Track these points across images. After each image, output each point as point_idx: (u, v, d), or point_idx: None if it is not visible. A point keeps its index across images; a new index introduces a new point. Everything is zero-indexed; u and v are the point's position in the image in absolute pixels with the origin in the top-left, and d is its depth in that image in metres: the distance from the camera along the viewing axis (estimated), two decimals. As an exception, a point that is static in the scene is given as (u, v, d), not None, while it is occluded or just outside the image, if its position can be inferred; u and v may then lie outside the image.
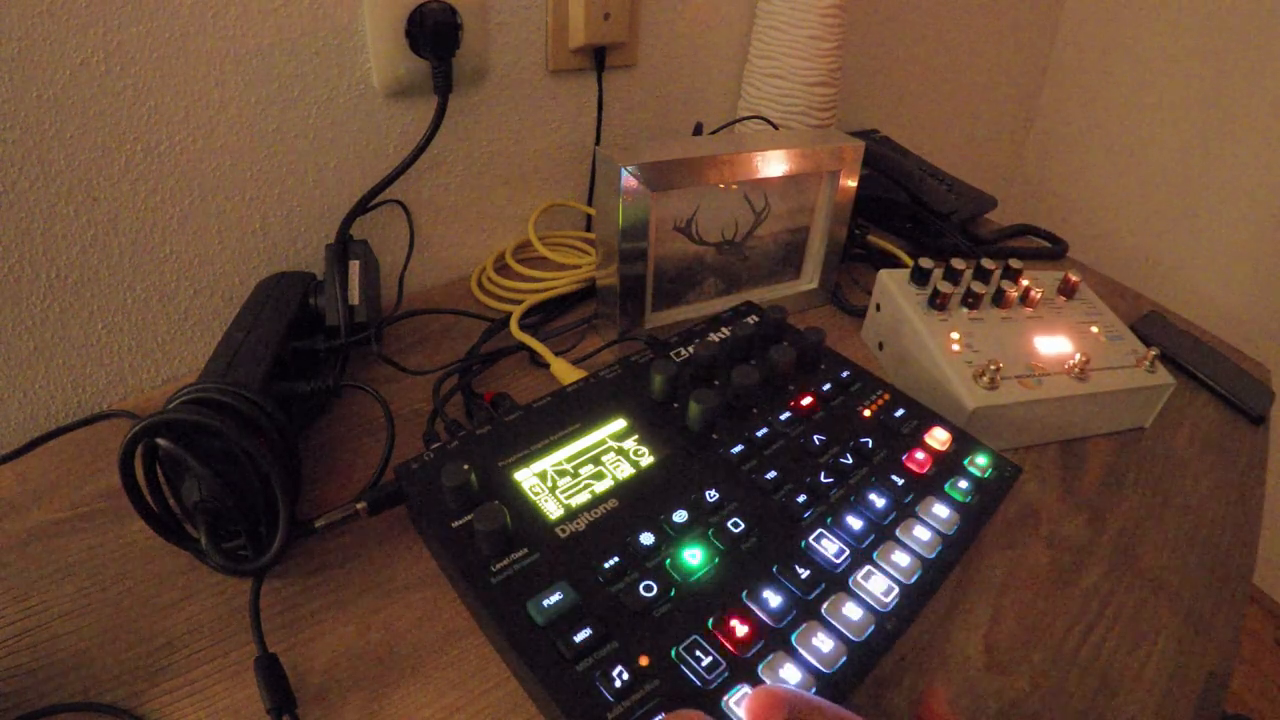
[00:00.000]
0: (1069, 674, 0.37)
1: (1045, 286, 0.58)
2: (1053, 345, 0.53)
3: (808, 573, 0.34)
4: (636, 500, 0.38)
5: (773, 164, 0.55)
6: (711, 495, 0.38)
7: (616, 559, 0.34)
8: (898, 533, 0.37)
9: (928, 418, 0.45)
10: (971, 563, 0.43)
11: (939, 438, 0.43)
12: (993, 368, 0.48)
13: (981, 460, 0.42)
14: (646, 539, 0.35)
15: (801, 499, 0.38)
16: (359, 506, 0.38)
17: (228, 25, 0.47)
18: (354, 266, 0.52)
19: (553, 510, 0.37)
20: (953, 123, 1.24)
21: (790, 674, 0.30)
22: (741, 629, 0.31)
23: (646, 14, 0.67)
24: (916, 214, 0.75)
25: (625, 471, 0.39)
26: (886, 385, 0.48)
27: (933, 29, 1.05)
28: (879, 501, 0.38)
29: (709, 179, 0.53)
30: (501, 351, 0.56)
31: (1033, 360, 0.51)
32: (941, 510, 0.38)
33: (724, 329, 0.51)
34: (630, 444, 0.41)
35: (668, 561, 0.34)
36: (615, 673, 0.29)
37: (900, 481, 0.40)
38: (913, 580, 0.35)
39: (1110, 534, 0.46)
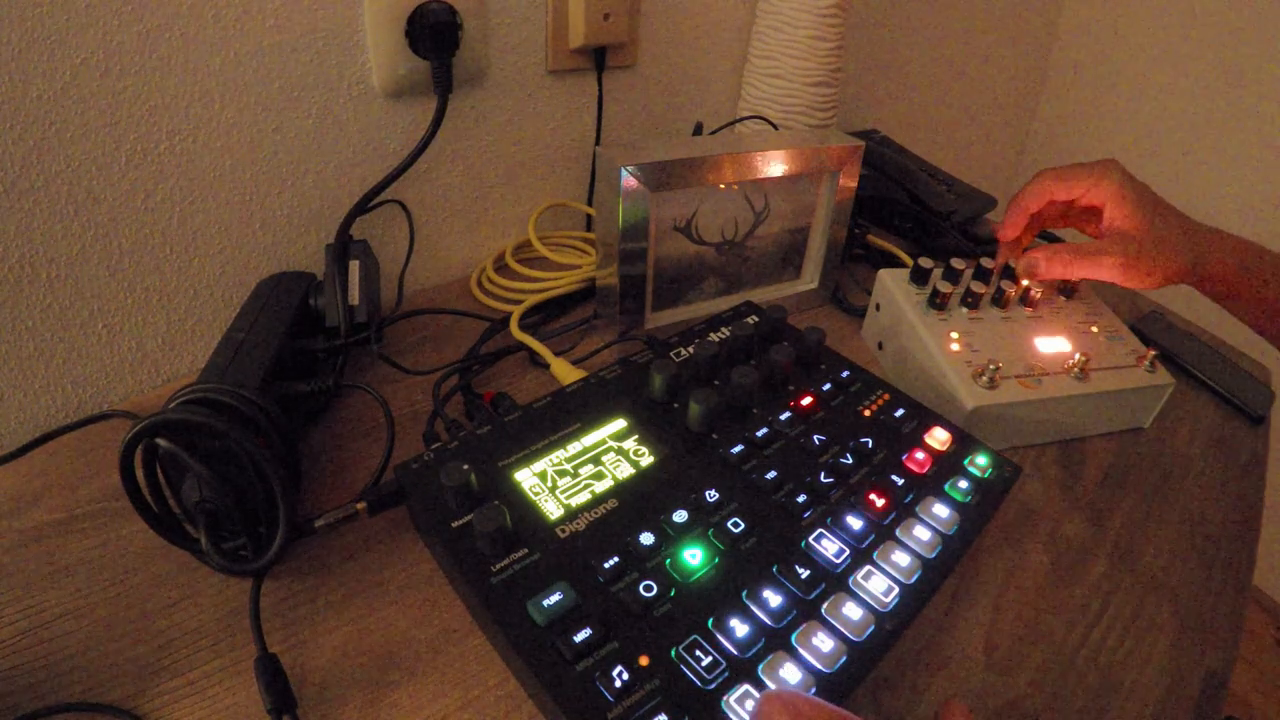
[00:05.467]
0: (1069, 674, 0.37)
1: (1045, 286, 0.58)
2: (1052, 345, 0.53)
3: (808, 573, 0.34)
4: (636, 500, 0.38)
5: (773, 164, 0.55)
6: (711, 495, 0.38)
7: (616, 559, 0.34)
8: (898, 533, 0.37)
9: (927, 417, 0.45)
10: (971, 563, 0.43)
11: (939, 438, 0.43)
12: (992, 367, 0.48)
13: (981, 460, 0.42)
14: (646, 539, 0.35)
15: (801, 499, 0.38)
16: (359, 506, 0.38)
17: (228, 25, 0.47)
18: (354, 266, 0.52)
19: (553, 510, 0.37)
20: (953, 123, 1.24)
21: (790, 674, 0.30)
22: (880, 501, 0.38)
23: (646, 14, 0.67)
24: (916, 214, 0.75)
25: (625, 471, 0.39)
26: (886, 385, 0.48)
27: (933, 29, 1.05)
28: (879, 501, 0.38)
29: (709, 179, 0.53)
30: (501, 351, 0.56)
31: (1032, 360, 0.51)
32: (941, 510, 0.38)
33: (724, 329, 0.51)
34: (630, 444, 0.41)
35: (668, 561, 0.34)
36: (615, 673, 0.29)
37: (900, 481, 0.40)
38: (913, 580, 0.35)
39: (1110, 534, 0.46)
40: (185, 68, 0.46)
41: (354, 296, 0.51)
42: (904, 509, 0.39)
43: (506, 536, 0.34)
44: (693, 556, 0.35)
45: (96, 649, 0.35)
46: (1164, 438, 0.55)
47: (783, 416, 0.44)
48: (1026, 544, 0.44)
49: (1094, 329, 0.56)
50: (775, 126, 0.73)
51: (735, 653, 0.31)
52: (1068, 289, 0.59)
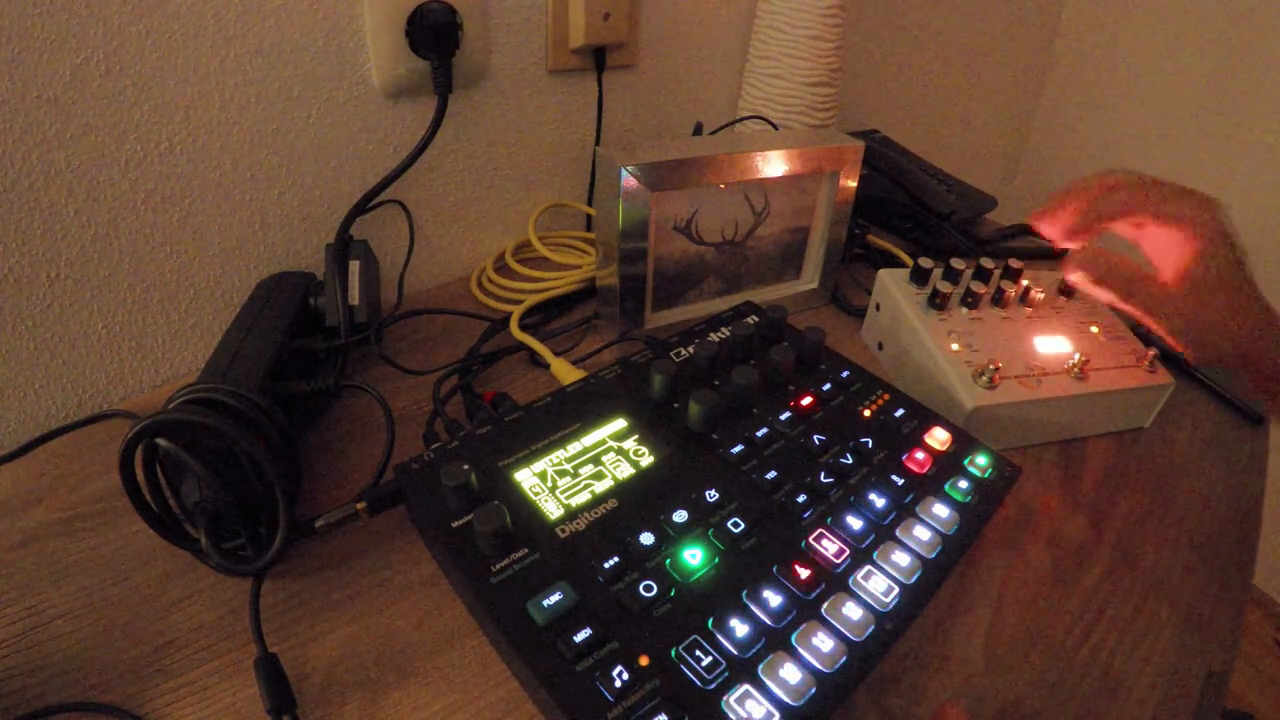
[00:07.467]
0: (1069, 674, 0.37)
1: (1045, 286, 0.58)
2: (1052, 345, 0.53)
3: (808, 573, 0.34)
4: (636, 500, 0.38)
5: (773, 164, 0.55)
6: (711, 495, 0.38)
7: (616, 559, 0.34)
8: (898, 533, 0.37)
9: (927, 418, 0.45)
10: (971, 563, 0.43)
11: (939, 438, 0.43)
12: (992, 367, 0.48)
13: (981, 460, 0.42)
14: (646, 539, 0.35)
15: (801, 499, 0.38)
16: (359, 506, 0.38)
17: (228, 25, 0.47)
18: (354, 266, 0.52)
19: (553, 510, 0.37)
20: (953, 123, 1.24)
21: (790, 674, 0.30)
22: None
23: (646, 14, 0.67)
24: (916, 214, 0.76)
25: (625, 471, 0.39)
26: (886, 385, 0.48)
27: (933, 29, 1.05)
28: (879, 501, 0.38)
29: (709, 179, 0.53)
30: (501, 351, 0.56)
31: (1032, 360, 0.51)
32: (941, 510, 0.38)
33: (724, 329, 0.51)
34: (630, 444, 0.41)
35: (668, 561, 0.34)
36: (615, 673, 0.29)
37: (900, 481, 0.40)
38: (913, 580, 0.35)
39: (1110, 534, 0.46)
40: (185, 68, 0.46)
41: (354, 296, 0.51)
42: (904, 509, 0.39)
43: (506, 536, 0.34)
44: (693, 556, 0.35)
45: (96, 649, 0.35)
46: (1164, 438, 0.55)
47: (783, 416, 0.44)
48: (1026, 544, 0.44)
49: (1094, 329, 0.56)
50: (775, 126, 0.73)
51: (735, 653, 0.31)
52: (1068, 289, 0.59)
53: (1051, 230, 0.50)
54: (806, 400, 0.45)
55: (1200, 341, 0.44)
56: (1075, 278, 0.48)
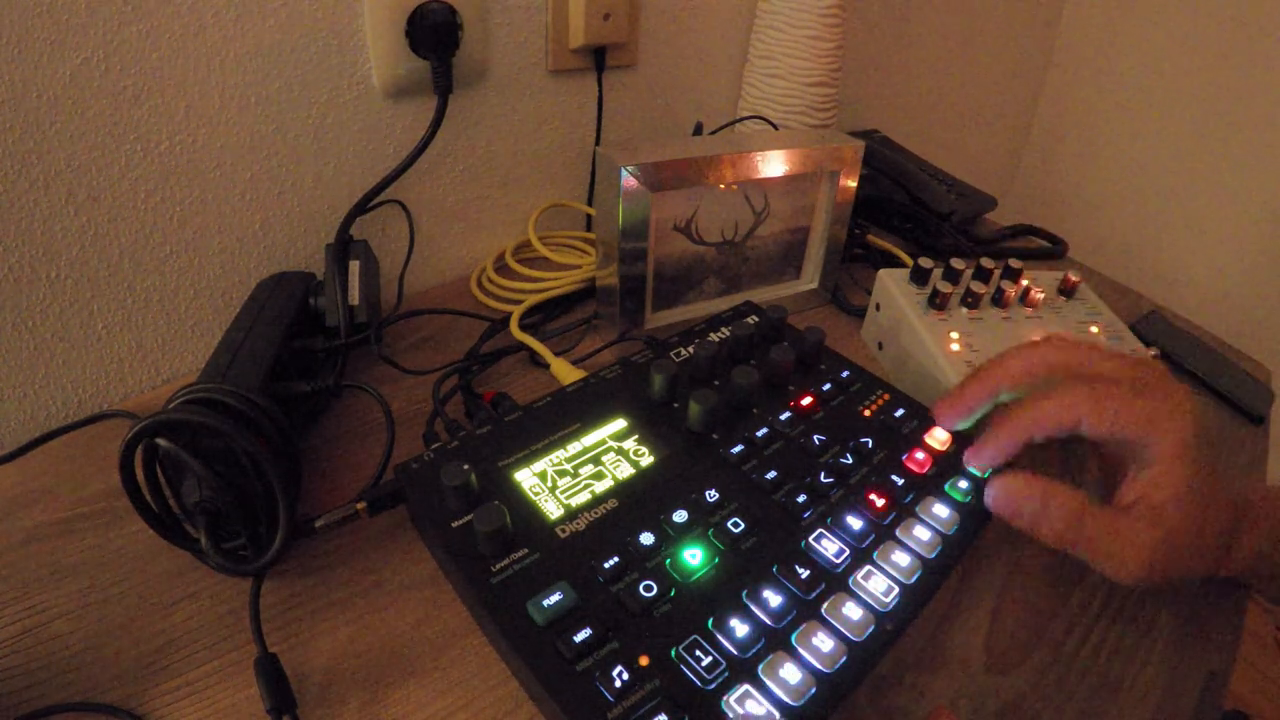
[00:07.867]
0: (1069, 674, 0.37)
1: (1045, 286, 0.58)
2: (1053, 345, 0.53)
3: (808, 573, 0.34)
4: (636, 500, 0.38)
5: (773, 164, 0.55)
6: (711, 495, 0.38)
7: (616, 559, 0.34)
8: (898, 533, 0.37)
9: (928, 417, 0.45)
10: (971, 563, 0.43)
11: (939, 438, 0.43)
12: (993, 368, 0.48)
13: (981, 460, 0.42)
14: (646, 539, 0.35)
15: (801, 499, 0.38)
16: (359, 506, 0.38)
17: (228, 25, 0.47)
18: (354, 266, 0.52)
19: (553, 510, 0.37)
20: (953, 123, 1.24)
21: (790, 674, 0.30)
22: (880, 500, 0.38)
23: (646, 14, 0.67)
24: (916, 214, 0.76)
25: (625, 471, 0.39)
26: (886, 385, 0.48)
27: (933, 29, 1.05)
28: (879, 501, 0.38)
29: (709, 179, 0.53)
30: (501, 351, 0.56)
31: (1033, 360, 0.51)
32: (941, 510, 0.38)
33: (724, 329, 0.51)
34: (630, 444, 0.41)
35: (668, 561, 0.34)
36: (615, 673, 0.29)
37: (900, 481, 0.40)
38: (913, 580, 0.35)
39: (1110, 534, 0.46)
40: (185, 68, 0.46)
41: (354, 296, 0.51)
42: (904, 509, 0.39)
43: (506, 536, 0.34)
44: (693, 556, 0.35)
45: (96, 649, 0.35)
46: (1164, 438, 0.54)
47: (783, 416, 0.44)
48: (1026, 544, 0.44)
49: (1094, 329, 0.56)
50: (775, 126, 0.73)
51: (735, 653, 0.31)
52: (1068, 289, 0.59)
53: (952, 418, 0.41)
54: (806, 400, 0.45)
55: (1169, 567, 0.35)
56: (996, 505, 0.38)
